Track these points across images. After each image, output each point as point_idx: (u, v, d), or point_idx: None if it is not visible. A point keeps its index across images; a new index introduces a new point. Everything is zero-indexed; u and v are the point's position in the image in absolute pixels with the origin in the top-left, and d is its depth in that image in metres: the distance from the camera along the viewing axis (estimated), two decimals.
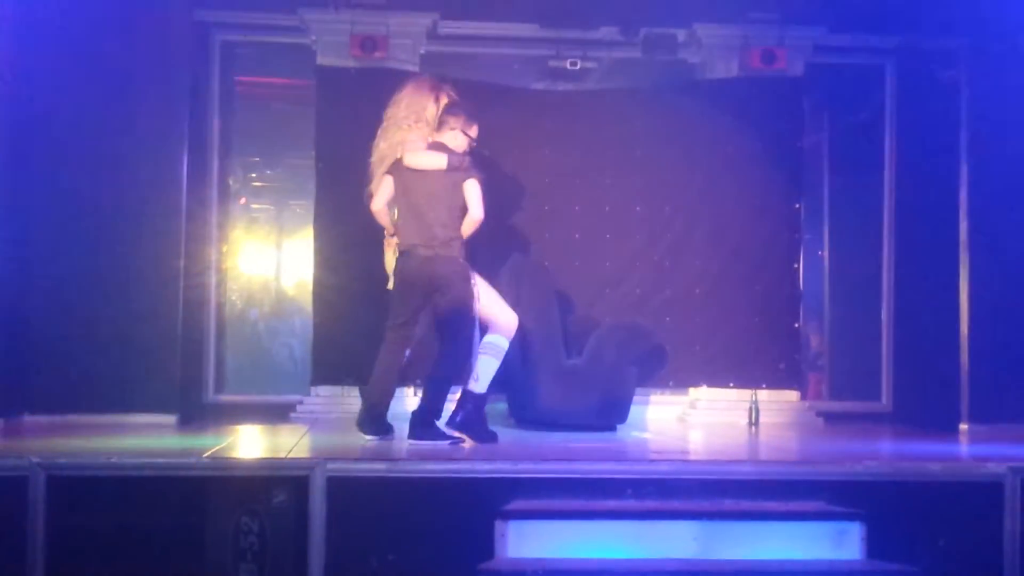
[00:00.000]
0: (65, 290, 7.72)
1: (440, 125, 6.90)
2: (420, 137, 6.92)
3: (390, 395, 6.70)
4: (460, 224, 6.66)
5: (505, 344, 6.89)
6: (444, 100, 7.06)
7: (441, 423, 6.57)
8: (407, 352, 6.78)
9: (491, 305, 6.88)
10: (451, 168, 6.62)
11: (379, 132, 7.08)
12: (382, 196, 6.79)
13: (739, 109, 9.07)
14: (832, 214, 9.87)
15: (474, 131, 7.04)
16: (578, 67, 9.31)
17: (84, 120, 7.80)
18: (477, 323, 6.72)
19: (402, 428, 6.61)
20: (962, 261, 8.57)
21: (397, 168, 6.71)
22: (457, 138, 6.84)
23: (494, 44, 9.43)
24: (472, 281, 6.68)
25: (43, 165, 7.70)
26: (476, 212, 6.64)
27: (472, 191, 6.62)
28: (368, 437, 6.55)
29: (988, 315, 8.44)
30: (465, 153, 6.81)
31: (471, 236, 6.78)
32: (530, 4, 8.88)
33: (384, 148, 6.98)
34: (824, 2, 8.82)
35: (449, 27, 9.13)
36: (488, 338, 6.82)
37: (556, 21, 9.10)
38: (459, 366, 6.67)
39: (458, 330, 6.58)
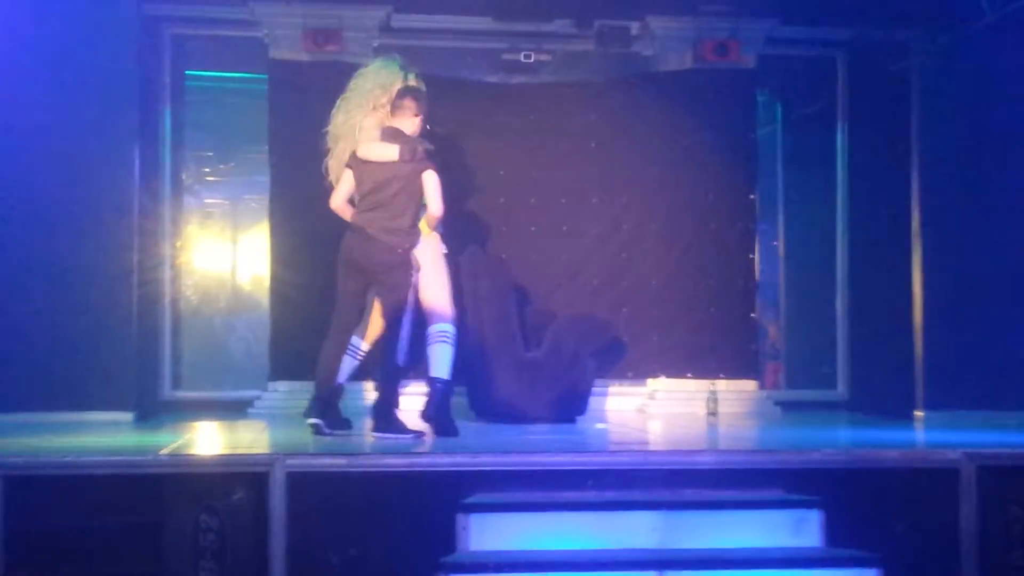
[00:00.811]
0: (16, 287, 7.63)
1: (395, 109, 6.80)
2: (375, 124, 6.86)
3: (331, 380, 6.59)
4: (418, 214, 6.62)
5: (452, 329, 6.82)
6: (412, 83, 7.00)
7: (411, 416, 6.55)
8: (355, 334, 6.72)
9: (434, 292, 6.83)
10: (403, 159, 6.56)
11: (339, 102, 7.01)
12: (341, 192, 6.72)
13: (693, 101, 9.11)
14: (786, 205, 9.95)
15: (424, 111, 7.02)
16: (532, 60, 9.31)
17: (34, 115, 7.69)
18: (408, 310, 6.67)
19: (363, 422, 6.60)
20: (915, 250, 8.64)
21: (354, 160, 6.66)
22: (414, 124, 6.80)
23: (448, 37, 9.41)
24: (412, 269, 6.63)
25: None
26: (434, 207, 6.60)
27: (429, 184, 6.55)
28: (310, 421, 6.48)
29: (941, 303, 8.52)
30: (419, 140, 6.75)
31: (438, 227, 6.79)
32: None
33: (341, 121, 6.93)
34: None
35: (402, 20, 9.11)
36: (434, 327, 6.77)
37: (510, 14, 9.10)
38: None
39: (394, 320, 6.54)
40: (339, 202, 6.75)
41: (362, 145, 6.70)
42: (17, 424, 7.11)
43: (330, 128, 7.00)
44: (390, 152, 6.56)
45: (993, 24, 7.98)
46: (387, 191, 6.49)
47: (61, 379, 7.56)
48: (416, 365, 6.90)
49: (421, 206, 6.62)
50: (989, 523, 5.39)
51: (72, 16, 7.84)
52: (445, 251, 7.01)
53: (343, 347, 6.62)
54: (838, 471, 5.48)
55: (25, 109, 7.71)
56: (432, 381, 6.70)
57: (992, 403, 7.97)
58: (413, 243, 6.56)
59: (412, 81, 7.04)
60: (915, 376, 8.54)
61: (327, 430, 6.40)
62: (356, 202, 6.68)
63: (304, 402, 8.00)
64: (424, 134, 6.87)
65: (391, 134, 6.64)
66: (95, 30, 7.95)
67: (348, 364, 6.69)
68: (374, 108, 6.94)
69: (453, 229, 7.23)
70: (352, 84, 7.06)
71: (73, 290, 7.70)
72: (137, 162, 8.09)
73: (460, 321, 7.09)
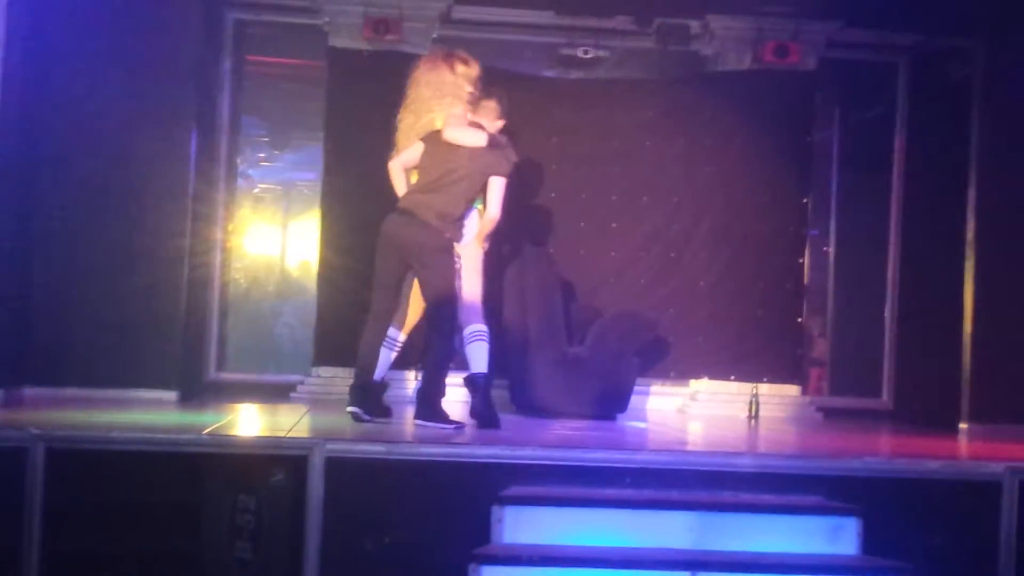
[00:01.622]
0: (70, 265, 7.71)
1: (479, 108, 6.89)
2: (463, 112, 6.87)
3: (370, 368, 6.59)
4: (468, 210, 6.65)
5: (485, 328, 6.75)
6: (460, 68, 7.00)
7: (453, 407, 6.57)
8: (392, 325, 6.74)
9: (469, 292, 6.80)
10: (490, 146, 6.59)
11: (404, 108, 7.01)
12: (405, 157, 6.76)
13: (750, 102, 9.07)
14: (839, 210, 9.85)
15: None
16: (590, 56, 9.31)
17: (93, 97, 7.77)
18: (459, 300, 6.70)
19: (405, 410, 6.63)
20: (968, 261, 8.54)
21: (432, 138, 6.67)
22: (495, 127, 6.86)
23: (507, 30, 9.42)
24: (453, 256, 6.64)
25: (50, 141, 7.67)
26: (492, 210, 6.65)
27: (494, 188, 6.61)
28: (348, 409, 6.49)
29: (992, 316, 8.42)
30: (508, 142, 6.79)
31: (489, 234, 6.80)
32: None
33: (411, 121, 6.93)
34: None
35: (463, 12, 9.12)
36: (468, 329, 6.71)
37: (570, 9, 9.11)
38: (446, 343, 6.59)
39: (437, 307, 6.51)
40: (396, 164, 6.79)
41: (449, 128, 6.70)
42: (65, 398, 7.23)
43: (398, 133, 7.00)
44: (477, 139, 6.61)
45: None
46: (452, 176, 6.52)
47: (108, 356, 7.63)
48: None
49: (472, 206, 6.66)
50: None
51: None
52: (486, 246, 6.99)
53: (381, 335, 6.63)
54: (878, 480, 5.44)
55: (85, 91, 7.79)
56: (474, 377, 6.68)
57: None
58: (457, 236, 6.59)
59: (460, 67, 7.03)
60: (961, 388, 8.45)
61: (365, 417, 6.43)
62: (412, 181, 6.71)
63: (347, 388, 8.10)
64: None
65: (479, 127, 6.71)
66: (157, 13, 8.01)
67: (385, 356, 6.68)
68: (462, 99, 6.93)
69: (502, 223, 7.23)
70: (410, 93, 7.02)
71: (125, 272, 7.77)
72: (193, 147, 8.16)
73: (499, 314, 7.10)
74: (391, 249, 6.55)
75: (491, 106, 6.92)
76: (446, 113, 6.80)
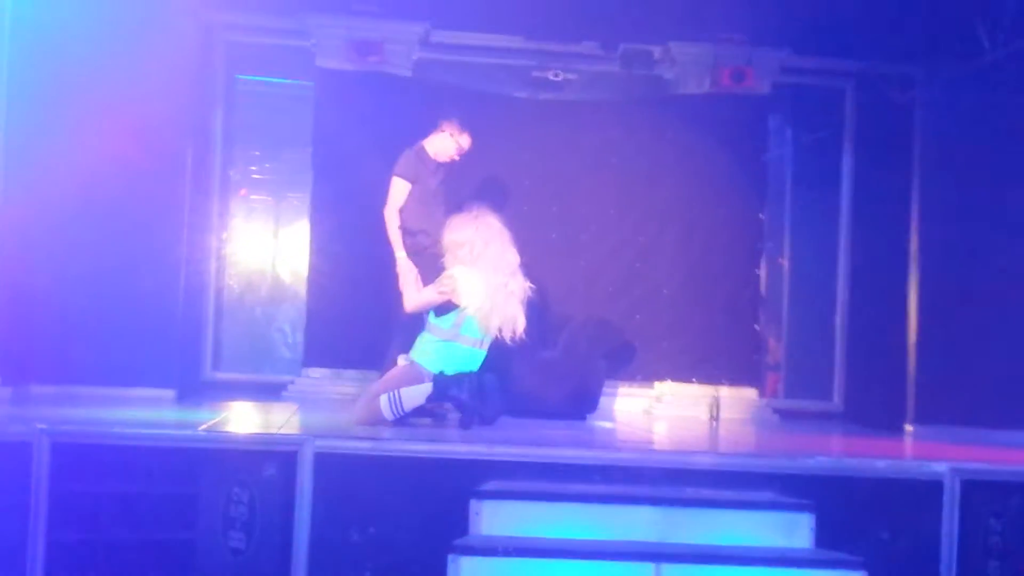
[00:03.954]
0: (74, 270, 7.64)
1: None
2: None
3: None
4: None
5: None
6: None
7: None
8: None
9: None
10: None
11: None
12: None
13: (709, 123, 9.09)
14: (792, 224, 9.89)
15: (466, 140, 7.08)
16: (560, 78, 9.31)
17: (94, 109, 7.71)
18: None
19: None
20: (912, 271, 8.59)
21: None
22: (443, 141, 6.90)
23: (482, 53, 9.39)
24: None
25: (53, 148, 7.59)
26: None
27: None
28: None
29: (934, 323, 8.45)
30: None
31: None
32: (517, 17, 8.85)
33: None
34: (791, 26, 8.82)
35: (440, 36, 9.11)
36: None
37: (541, 34, 9.11)
38: None
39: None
40: None
41: None
42: (68, 395, 7.17)
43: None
44: None
45: (992, 61, 7.95)
46: None
47: (110, 356, 7.58)
48: None
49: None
50: (969, 534, 5.37)
51: (132, 21, 7.84)
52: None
53: None
54: (829, 478, 5.46)
55: (87, 105, 7.73)
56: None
57: (980, 420, 7.91)
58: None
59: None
60: (907, 391, 8.50)
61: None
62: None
63: (335, 388, 8.10)
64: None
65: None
66: (153, 34, 7.95)
67: None
68: None
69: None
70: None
71: (125, 276, 7.71)
72: (189, 160, 8.12)
73: None
74: None
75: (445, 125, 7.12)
76: None
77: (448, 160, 7.39)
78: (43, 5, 7.54)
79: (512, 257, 6.55)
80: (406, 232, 7.19)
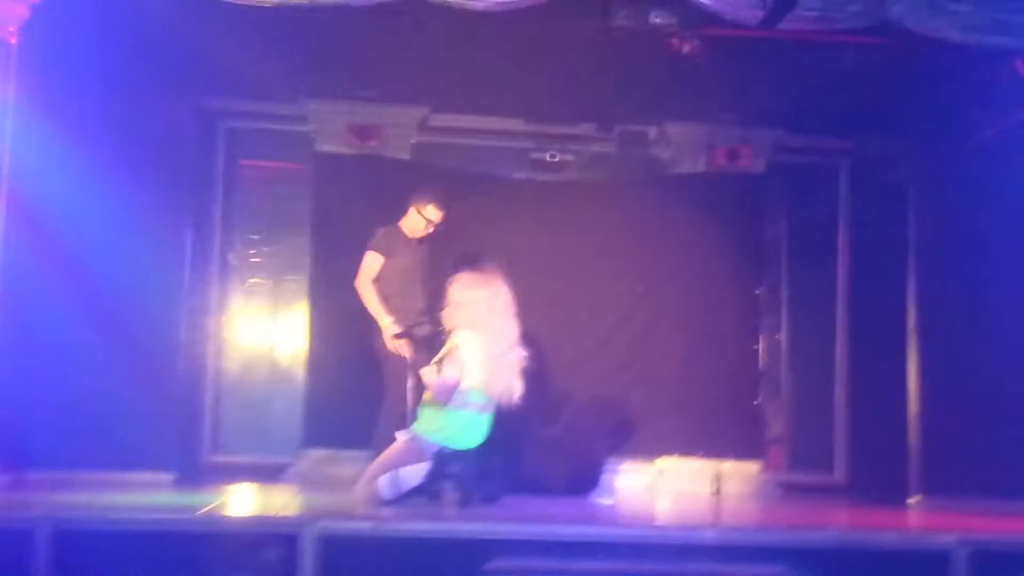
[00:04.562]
0: (72, 354, 7.62)
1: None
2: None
3: None
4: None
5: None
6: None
7: None
8: None
9: None
10: None
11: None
12: None
13: (705, 201, 9.15)
14: (790, 300, 9.89)
15: (432, 212, 7.12)
16: (557, 159, 9.39)
17: (94, 197, 7.73)
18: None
19: None
20: (911, 345, 8.59)
21: None
22: (413, 218, 7.00)
23: (480, 136, 9.49)
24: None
25: (55, 234, 7.60)
26: None
27: None
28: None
29: (936, 393, 8.44)
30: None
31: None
32: (515, 100, 8.94)
33: None
34: (784, 106, 8.88)
35: (439, 120, 9.20)
36: None
37: (538, 117, 9.19)
38: None
39: None
40: None
41: None
42: (67, 481, 7.10)
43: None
44: None
45: (985, 138, 8.02)
46: None
47: (109, 441, 7.51)
48: None
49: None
50: None
51: (135, 108, 7.93)
52: None
53: None
54: (836, 551, 5.38)
55: (88, 192, 7.75)
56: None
57: (986, 489, 7.84)
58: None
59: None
60: (910, 463, 8.44)
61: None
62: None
63: (334, 469, 8.03)
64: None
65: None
66: (155, 121, 8.03)
67: None
68: None
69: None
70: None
71: (123, 359, 7.69)
72: (189, 244, 8.14)
73: None
74: None
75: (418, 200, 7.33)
76: None
77: (423, 235, 7.50)
78: (45, 92, 7.60)
79: (513, 328, 6.52)
80: (386, 301, 7.34)
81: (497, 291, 6.53)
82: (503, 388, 6.43)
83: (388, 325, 7.26)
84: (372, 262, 7.42)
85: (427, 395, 6.47)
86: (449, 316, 6.53)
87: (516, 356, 6.52)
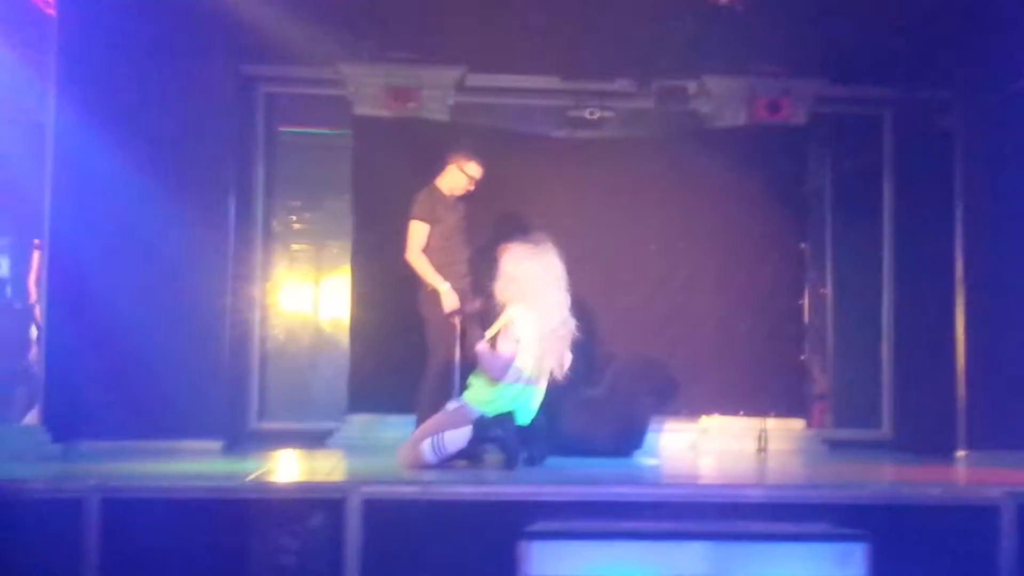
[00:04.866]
0: (120, 324, 7.67)
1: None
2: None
3: None
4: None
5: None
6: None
7: None
8: None
9: None
10: None
11: None
12: None
13: (747, 156, 9.05)
14: (834, 254, 9.81)
15: (473, 169, 7.09)
16: (596, 116, 9.32)
17: (139, 166, 7.78)
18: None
19: None
20: (958, 296, 8.48)
21: None
22: (452, 175, 6.94)
23: (518, 95, 9.48)
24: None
25: (100, 205, 7.69)
26: None
27: None
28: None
29: (983, 348, 8.33)
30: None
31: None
32: (552, 58, 8.90)
33: None
34: (826, 55, 8.79)
35: (476, 80, 9.18)
36: None
37: (576, 74, 9.15)
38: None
39: None
40: None
41: None
42: (116, 450, 7.21)
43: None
44: None
45: None
46: None
47: (157, 409, 7.61)
48: None
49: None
50: None
51: (174, 77, 7.95)
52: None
53: None
54: (882, 507, 5.36)
55: (133, 161, 7.81)
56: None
57: None
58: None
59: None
60: (957, 417, 8.36)
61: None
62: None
63: (380, 433, 8.10)
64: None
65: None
66: (197, 89, 8.05)
67: None
68: None
69: None
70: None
71: (170, 328, 7.75)
72: (232, 211, 8.19)
73: None
74: None
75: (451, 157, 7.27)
76: None
77: (463, 193, 7.44)
78: (86, 62, 7.66)
79: (565, 300, 6.50)
80: (435, 266, 7.30)
81: (549, 263, 6.49)
82: (555, 360, 6.43)
83: (447, 291, 7.22)
84: (419, 231, 7.31)
85: (480, 368, 6.48)
86: (501, 289, 6.49)
87: (568, 328, 6.50)
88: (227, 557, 5.07)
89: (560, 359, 6.47)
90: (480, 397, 6.37)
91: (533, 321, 6.36)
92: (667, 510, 5.30)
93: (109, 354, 7.63)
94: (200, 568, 5.06)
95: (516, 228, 8.27)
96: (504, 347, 6.35)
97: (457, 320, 7.18)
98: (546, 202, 8.83)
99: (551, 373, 6.47)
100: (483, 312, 6.97)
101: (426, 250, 7.35)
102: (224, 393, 8.02)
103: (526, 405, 6.46)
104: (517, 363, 6.36)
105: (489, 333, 6.47)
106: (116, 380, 7.63)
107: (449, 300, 7.19)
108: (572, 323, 6.53)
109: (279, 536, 5.09)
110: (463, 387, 6.63)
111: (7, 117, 7.97)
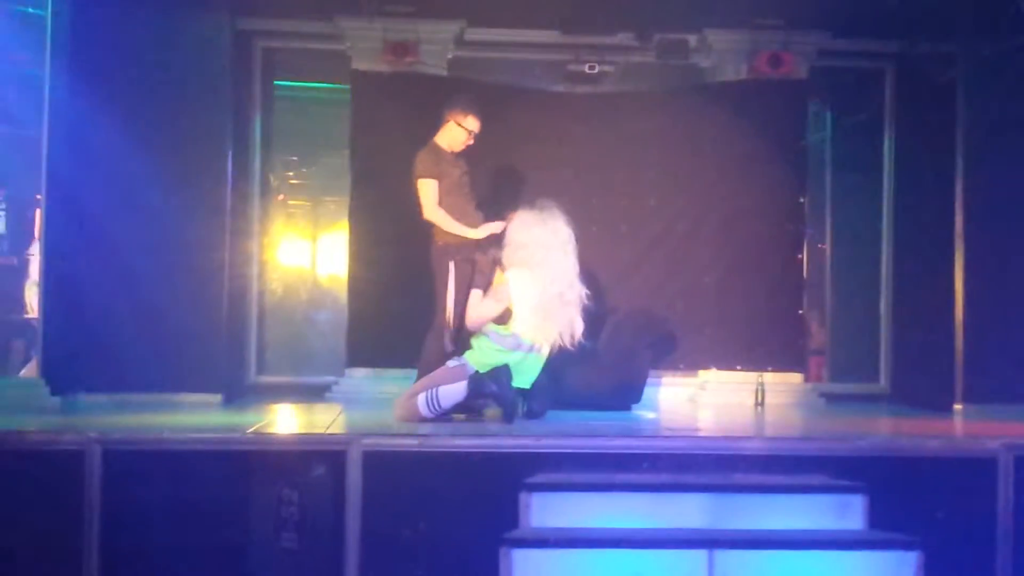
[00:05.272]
0: (119, 279, 7.72)
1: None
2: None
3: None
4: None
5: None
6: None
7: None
8: None
9: None
10: None
11: None
12: None
13: (747, 110, 9.02)
14: (834, 209, 9.80)
15: (472, 123, 7.04)
16: (596, 71, 9.26)
17: (136, 122, 7.78)
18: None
19: None
20: (957, 250, 8.46)
21: None
22: (451, 131, 6.90)
23: (517, 49, 9.42)
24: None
25: (98, 160, 7.67)
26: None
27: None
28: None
29: (982, 301, 8.33)
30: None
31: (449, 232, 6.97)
32: (551, 12, 8.85)
33: None
34: (827, 9, 8.74)
35: (475, 34, 9.13)
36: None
37: (575, 28, 9.08)
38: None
39: None
40: None
41: None
42: (117, 403, 7.26)
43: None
44: None
45: None
46: None
47: (157, 363, 7.65)
48: None
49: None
50: None
51: (170, 31, 7.93)
52: None
53: None
54: (880, 459, 5.41)
55: (129, 117, 7.79)
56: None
57: None
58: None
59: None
60: (955, 370, 8.39)
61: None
62: None
63: (378, 387, 8.13)
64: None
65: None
66: (193, 44, 8.03)
67: None
68: None
69: None
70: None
71: (169, 283, 7.79)
72: (229, 166, 8.18)
73: None
74: None
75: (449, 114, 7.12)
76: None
77: (463, 148, 7.36)
78: (82, 18, 7.62)
79: (572, 265, 6.49)
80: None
81: (556, 229, 6.47)
82: (564, 326, 6.43)
83: (479, 231, 6.99)
84: (430, 188, 7.09)
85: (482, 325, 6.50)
86: (508, 256, 6.48)
87: (576, 294, 6.50)
88: (229, 508, 5.13)
89: (571, 325, 6.46)
90: (481, 360, 6.38)
91: (534, 286, 6.35)
92: (666, 462, 5.34)
93: (107, 308, 7.67)
94: (202, 520, 5.11)
95: (516, 184, 8.30)
96: (487, 305, 6.40)
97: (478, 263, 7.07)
98: (545, 156, 8.81)
99: (561, 339, 6.44)
100: (497, 262, 6.89)
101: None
102: (223, 347, 8.06)
103: (528, 372, 6.47)
104: (516, 330, 6.36)
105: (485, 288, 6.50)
106: (114, 334, 7.66)
107: (487, 230, 6.97)
108: (581, 288, 6.51)
109: (281, 488, 5.13)
110: (467, 346, 6.63)
111: (3, 71, 7.95)
